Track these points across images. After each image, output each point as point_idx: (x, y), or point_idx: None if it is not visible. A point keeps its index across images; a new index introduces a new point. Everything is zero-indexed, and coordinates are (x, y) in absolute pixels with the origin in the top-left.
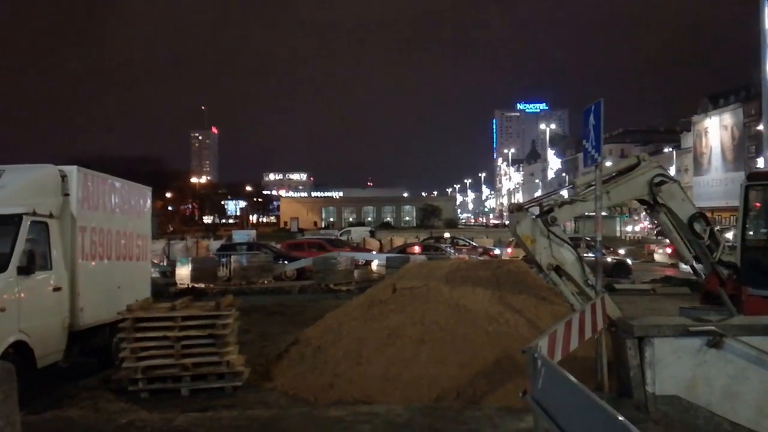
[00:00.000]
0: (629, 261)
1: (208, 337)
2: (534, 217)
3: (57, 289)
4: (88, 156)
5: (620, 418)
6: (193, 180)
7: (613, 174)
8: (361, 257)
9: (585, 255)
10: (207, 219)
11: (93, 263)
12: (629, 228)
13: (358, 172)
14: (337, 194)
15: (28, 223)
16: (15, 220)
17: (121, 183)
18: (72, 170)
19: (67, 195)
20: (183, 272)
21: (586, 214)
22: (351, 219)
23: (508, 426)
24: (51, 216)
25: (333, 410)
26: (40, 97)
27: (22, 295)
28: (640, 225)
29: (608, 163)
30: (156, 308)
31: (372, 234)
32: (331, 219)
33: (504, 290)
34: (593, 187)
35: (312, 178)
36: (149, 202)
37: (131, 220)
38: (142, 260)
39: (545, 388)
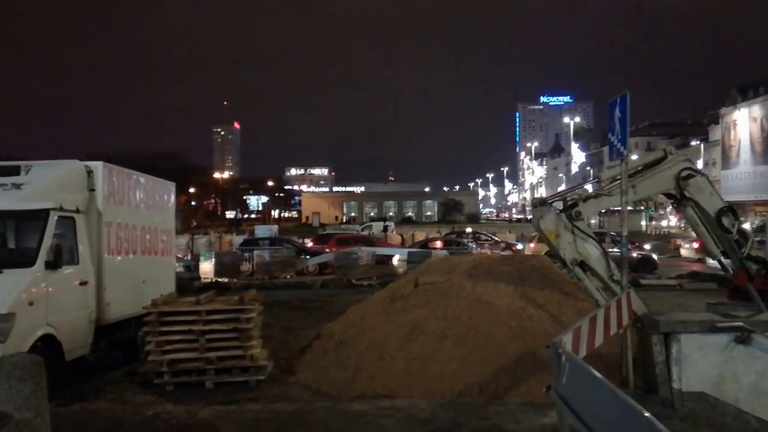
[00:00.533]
0: (655, 256)
1: (232, 331)
2: (558, 211)
3: (84, 283)
4: (112, 152)
5: (646, 414)
6: (216, 175)
7: (639, 168)
8: (386, 252)
9: (610, 250)
10: (229, 214)
11: (119, 258)
12: (664, 223)
13: (380, 167)
14: (358, 189)
15: (55, 218)
16: (42, 215)
17: (146, 178)
18: (98, 166)
19: (93, 190)
20: (206, 267)
21: (611, 208)
22: (372, 214)
23: (531, 421)
24: (77, 211)
25: (356, 404)
26: (65, 94)
27: (50, 289)
28: (667, 220)
29: (634, 157)
30: (180, 302)
31: (385, 229)
32: (353, 214)
33: (527, 285)
34: (618, 181)
35: (333, 173)
36: (173, 197)
37: (156, 215)
38: (166, 255)
39: (569, 383)
